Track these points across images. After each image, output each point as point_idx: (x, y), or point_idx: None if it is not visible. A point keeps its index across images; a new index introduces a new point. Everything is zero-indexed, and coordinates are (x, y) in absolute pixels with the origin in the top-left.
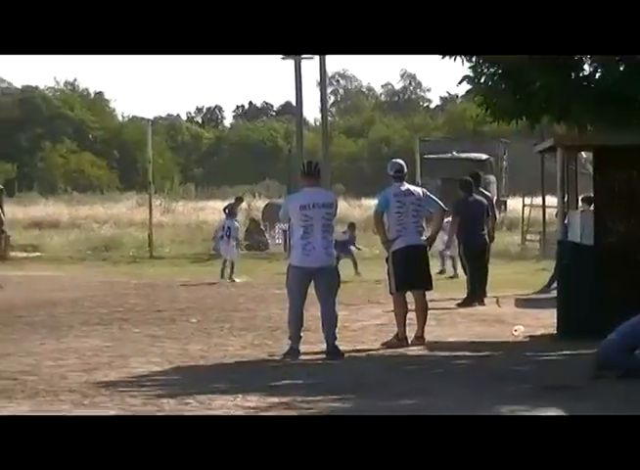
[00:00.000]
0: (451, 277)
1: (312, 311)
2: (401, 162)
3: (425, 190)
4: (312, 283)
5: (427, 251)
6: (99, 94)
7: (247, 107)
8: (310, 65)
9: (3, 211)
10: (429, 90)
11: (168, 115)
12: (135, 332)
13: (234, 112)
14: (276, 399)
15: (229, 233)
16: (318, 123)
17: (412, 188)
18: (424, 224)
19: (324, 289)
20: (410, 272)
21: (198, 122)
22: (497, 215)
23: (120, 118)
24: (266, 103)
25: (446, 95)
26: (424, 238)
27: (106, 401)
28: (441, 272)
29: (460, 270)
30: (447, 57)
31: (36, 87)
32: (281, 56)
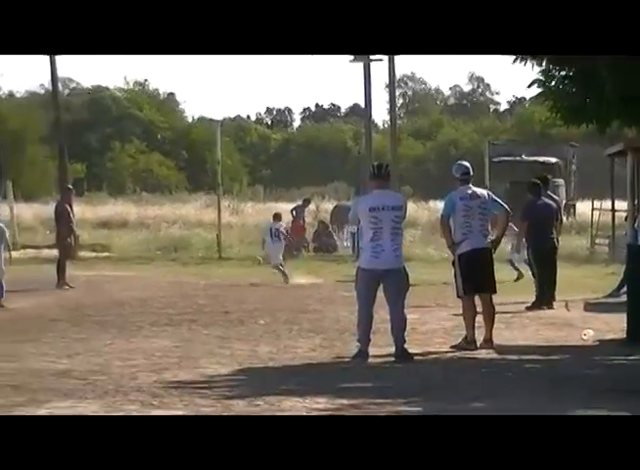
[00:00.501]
0: (516, 280)
1: (381, 314)
2: (467, 164)
3: (490, 192)
4: (381, 285)
5: (492, 254)
6: (171, 95)
7: (313, 109)
8: (379, 67)
9: (73, 211)
10: (497, 93)
11: (237, 116)
12: (204, 333)
13: (301, 113)
14: (345, 402)
15: (277, 234)
16: (386, 125)
17: (478, 191)
18: (489, 227)
19: (393, 291)
20: (476, 276)
21: (267, 124)
22: (565, 219)
23: (190, 120)
24: (333, 104)
25: (514, 98)
26: (489, 241)
27: (175, 402)
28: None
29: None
30: (518, 61)
31: (106, 87)
32: (350, 58)
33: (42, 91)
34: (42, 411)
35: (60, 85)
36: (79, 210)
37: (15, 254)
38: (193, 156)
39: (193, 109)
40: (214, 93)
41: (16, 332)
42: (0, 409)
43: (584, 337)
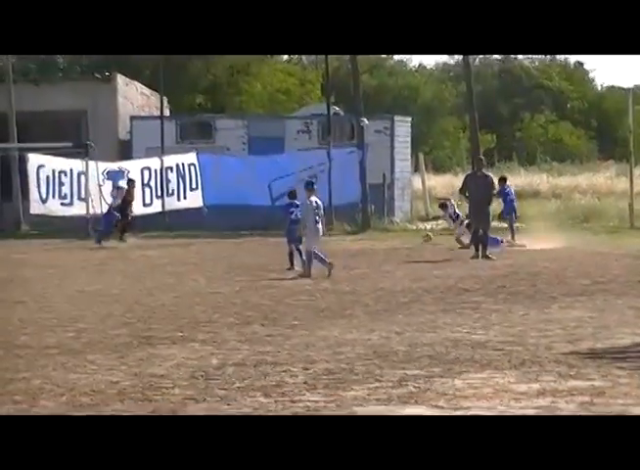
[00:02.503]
0: None
1: None
2: None
3: None
4: None
5: None
6: (580, 64)
7: None
8: None
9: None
10: None
11: None
12: (618, 303)
13: None
14: None
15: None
16: None
17: None
18: None
19: None
20: None
21: None
22: None
23: (599, 89)
24: None
25: None
26: None
27: (591, 373)
28: None
29: None
30: None
31: (515, 58)
32: None
33: (452, 62)
34: (457, 382)
35: (470, 56)
36: None
37: (427, 225)
38: (603, 125)
39: (602, 78)
40: (624, 61)
41: (431, 302)
42: (417, 380)
43: None
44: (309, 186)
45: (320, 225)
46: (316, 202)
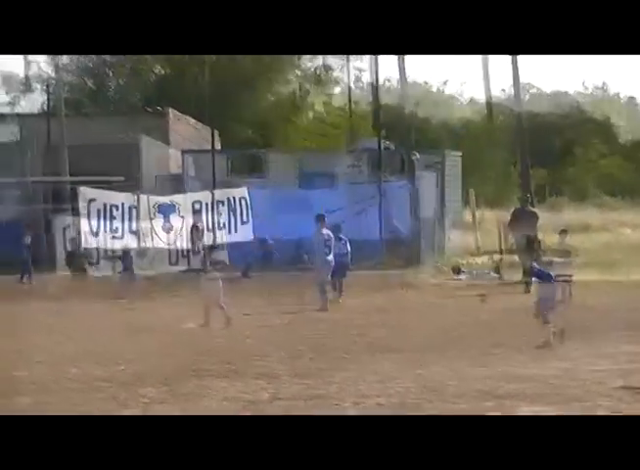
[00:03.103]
0: None
1: None
2: None
3: None
4: None
5: None
6: (631, 99)
7: None
8: None
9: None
10: None
11: None
12: None
13: None
14: None
15: None
16: None
17: None
18: None
19: None
20: None
21: None
22: None
23: None
24: None
25: None
26: None
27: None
28: None
29: None
30: None
31: (565, 92)
32: None
33: (503, 96)
34: None
35: (521, 91)
36: (542, 215)
37: (478, 260)
38: None
39: None
40: None
41: (482, 336)
42: (468, 414)
43: None
44: (320, 218)
45: (331, 257)
46: (328, 234)
